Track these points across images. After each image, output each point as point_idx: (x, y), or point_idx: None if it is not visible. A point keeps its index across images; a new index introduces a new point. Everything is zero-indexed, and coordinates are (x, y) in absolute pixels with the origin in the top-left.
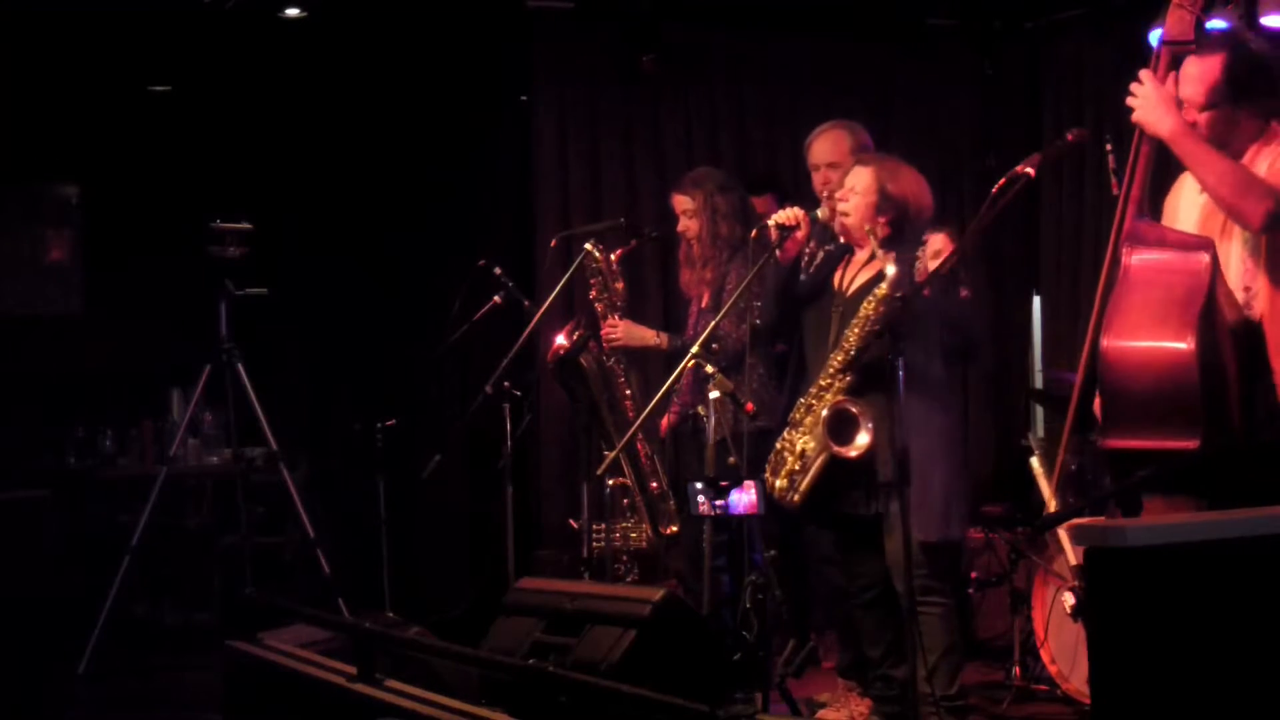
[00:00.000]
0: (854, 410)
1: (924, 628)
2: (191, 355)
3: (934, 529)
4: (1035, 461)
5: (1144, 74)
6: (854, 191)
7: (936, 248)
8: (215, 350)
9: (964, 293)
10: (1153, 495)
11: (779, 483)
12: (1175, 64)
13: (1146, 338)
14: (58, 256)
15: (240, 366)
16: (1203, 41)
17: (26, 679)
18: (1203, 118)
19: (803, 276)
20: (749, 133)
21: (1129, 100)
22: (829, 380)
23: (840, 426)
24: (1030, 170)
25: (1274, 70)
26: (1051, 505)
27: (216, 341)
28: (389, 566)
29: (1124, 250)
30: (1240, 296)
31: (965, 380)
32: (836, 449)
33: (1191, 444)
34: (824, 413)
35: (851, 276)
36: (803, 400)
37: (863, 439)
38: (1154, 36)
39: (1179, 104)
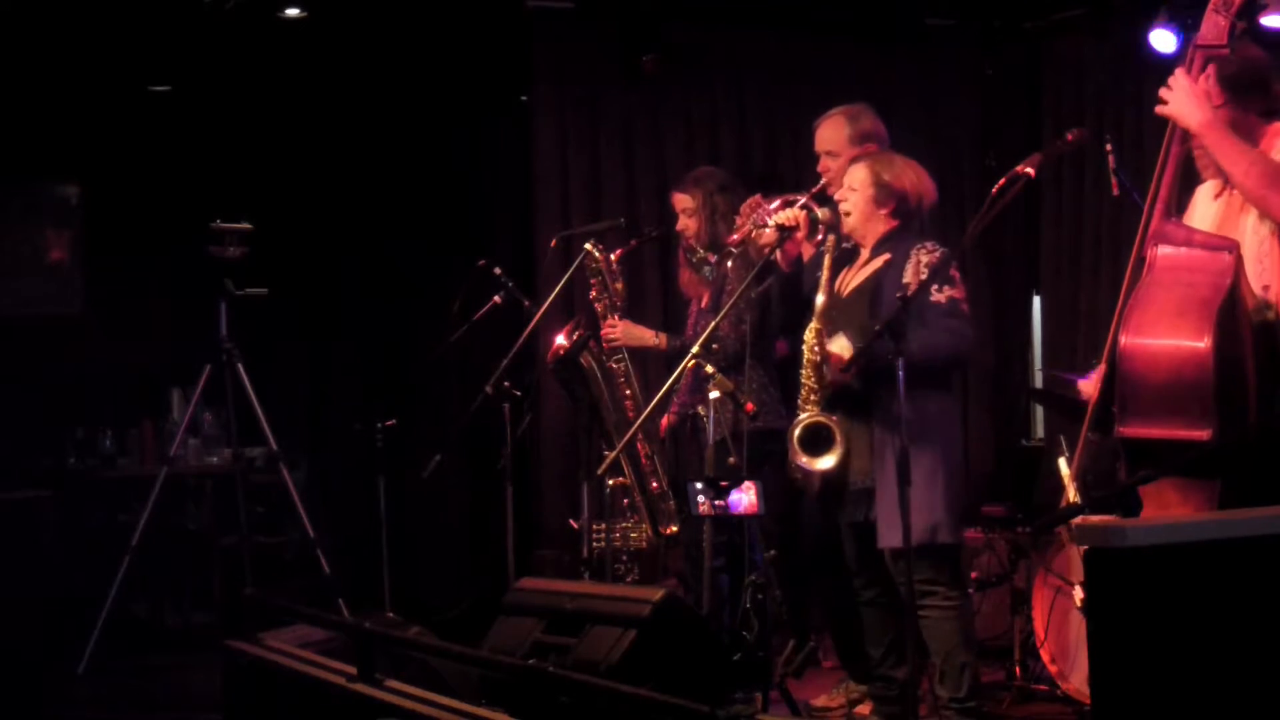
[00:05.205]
0: (828, 425)
1: (928, 629)
2: (191, 355)
3: (921, 533)
4: (1063, 463)
5: (1179, 71)
6: (851, 189)
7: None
8: (215, 350)
9: (958, 294)
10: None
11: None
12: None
13: (1165, 334)
14: (58, 256)
15: (240, 366)
16: (1236, 46)
17: (26, 679)
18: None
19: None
20: (749, 133)
21: (1162, 94)
22: (806, 391)
23: (815, 440)
24: (1030, 170)
25: (1266, 71)
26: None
27: (216, 341)
28: (389, 566)
29: (1150, 249)
30: (1258, 294)
31: (965, 380)
32: (805, 462)
33: (1204, 434)
34: (795, 430)
35: (848, 279)
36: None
37: (827, 461)
38: (1154, 37)
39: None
